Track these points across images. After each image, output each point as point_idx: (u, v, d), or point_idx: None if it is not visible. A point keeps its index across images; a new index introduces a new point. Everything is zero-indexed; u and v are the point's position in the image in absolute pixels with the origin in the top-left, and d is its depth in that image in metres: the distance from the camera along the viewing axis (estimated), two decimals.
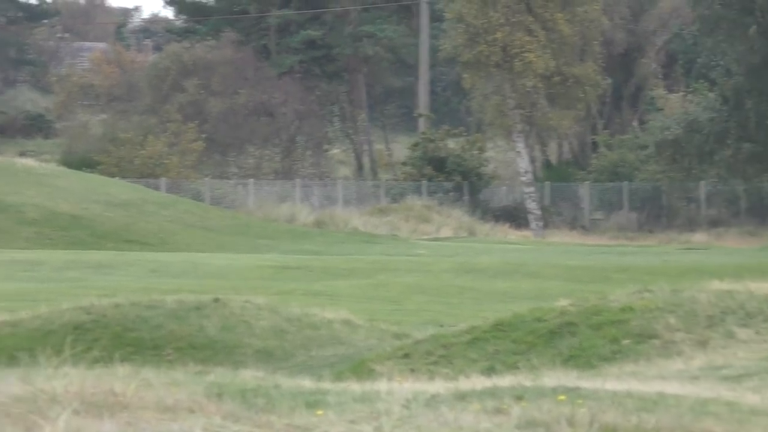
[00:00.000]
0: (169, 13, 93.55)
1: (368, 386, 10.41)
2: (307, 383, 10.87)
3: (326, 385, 11.09)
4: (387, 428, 8.54)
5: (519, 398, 8.68)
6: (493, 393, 9.27)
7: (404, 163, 72.94)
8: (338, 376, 14.03)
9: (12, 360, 10.16)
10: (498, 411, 8.55)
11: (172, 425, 8.02)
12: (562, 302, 17.30)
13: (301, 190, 68.49)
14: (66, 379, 8.82)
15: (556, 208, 66.52)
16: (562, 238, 60.92)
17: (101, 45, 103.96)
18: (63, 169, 63.51)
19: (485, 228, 62.52)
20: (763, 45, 56.40)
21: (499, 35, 61.05)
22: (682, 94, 68.18)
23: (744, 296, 16.73)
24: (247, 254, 45.94)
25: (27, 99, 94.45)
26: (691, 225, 61.71)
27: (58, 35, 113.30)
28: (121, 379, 8.96)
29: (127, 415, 7.96)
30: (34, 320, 19.75)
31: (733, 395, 9.63)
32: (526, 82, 62.55)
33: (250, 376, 10.66)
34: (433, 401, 9.19)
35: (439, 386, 10.12)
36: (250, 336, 19.20)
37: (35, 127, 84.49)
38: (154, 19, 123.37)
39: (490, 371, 12.46)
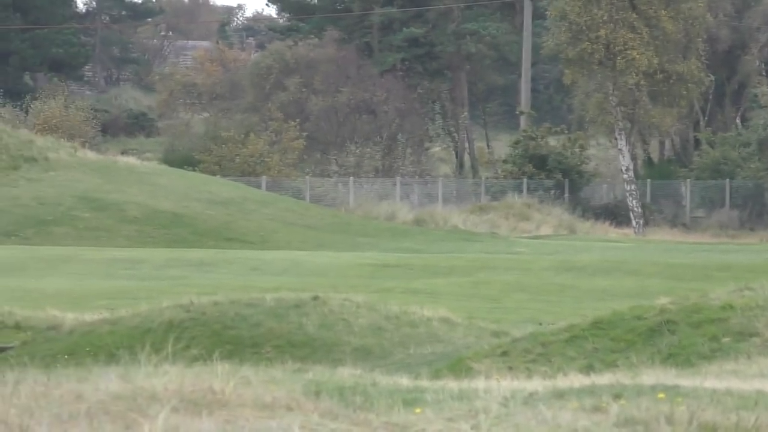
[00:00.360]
0: (272, 11, 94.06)
1: (466, 384, 10.43)
2: (404, 381, 10.93)
3: (424, 383, 11.14)
4: (485, 426, 8.51)
5: (617, 396, 8.69)
6: (591, 391, 9.25)
7: (505, 161, 72.72)
8: (436, 374, 14.05)
9: (112, 358, 10.29)
10: (596, 409, 8.50)
11: (270, 423, 8.07)
12: (662, 300, 17.22)
13: (401, 188, 68.59)
14: (165, 377, 8.94)
15: (657, 206, 65.95)
16: (663, 235, 60.43)
17: (204, 43, 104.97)
18: (164, 167, 64.28)
19: (585, 226, 62.28)
20: None
21: (602, 32, 60.64)
22: None
23: None
24: (347, 252, 46.07)
25: (130, 97, 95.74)
26: None
27: (162, 34, 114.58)
28: (219, 376, 9.06)
29: (226, 412, 8.04)
30: (133, 318, 20.04)
31: None
32: (629, 80, 62.05)
33: (348, 373, 10.72)
34: (531, 399, 9.17)
35: (537, 384, 10.11)
36: (349, 334, 19.29)
37: (137, 125, 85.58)
38: (257, 18, 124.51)
39: (588, 369, 12.46)
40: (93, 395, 8.45)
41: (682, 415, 8.14)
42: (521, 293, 30.08)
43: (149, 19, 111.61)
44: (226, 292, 23.20)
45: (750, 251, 48.03)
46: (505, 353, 16.68)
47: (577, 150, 68.76)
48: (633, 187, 64.70)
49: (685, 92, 64.48)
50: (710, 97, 70.65)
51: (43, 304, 26.00)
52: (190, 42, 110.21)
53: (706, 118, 72.34)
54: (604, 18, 60.97)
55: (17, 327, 23.53)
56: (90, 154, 62.48)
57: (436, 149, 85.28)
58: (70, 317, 23.36)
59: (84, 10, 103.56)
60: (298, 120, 71.62)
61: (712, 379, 10.60)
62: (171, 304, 21.02)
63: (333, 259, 41.77)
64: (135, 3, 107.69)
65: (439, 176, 77.14)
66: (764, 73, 71.30)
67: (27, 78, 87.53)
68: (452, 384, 10.77)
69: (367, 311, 21.06)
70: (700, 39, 65.20)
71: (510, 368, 14.46)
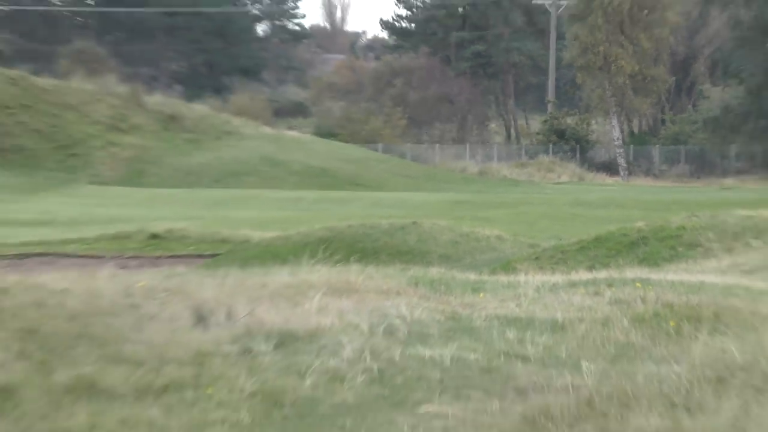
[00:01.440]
0: (385, 34, 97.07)
1: (512, 278, 10.70)
2: (472, 276, 11.25)
3: (485, 277, 11.43)
4: (524, 304, 8.68)
5: (610, 285, 9.21)
6: (593, 282, 9.56)
7: (538, 133, 73.58)
8: (493, 272, 14.29)
9: (284, 261, 10.61)
10: (596, 293, 8.88)
11: (386, 302, 8.28)
12: (639, 224, 17.73)
13: (469, 151, 69.41)
14: (318, 273, 9.30)
15: (637, 163, 66.62)
16: (641, 182, 61.31)
17: (341, 56, 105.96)
18: (315, 138, 64.94)
19: (590, 176, 63.36)
20: None
21: (601, 48, 62.35)
22: (721, 87, 69.56)
23: (758, 219, 17.49)
24: (435, 193, 46.42)
25: (293, 93, 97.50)
26: (725, 173, 63.10)
27: (313, 50, 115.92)
28: (353, 273, 9.38)
29: (357, 296, 8.38)
30: (297, 235, 20.47)
31: (749, 283, 10.15)
32: (618, 80, 63.91)
33: (435, 271, 10.98)
34: (554, 287, 9.44)
35: (558, 278, 10.41)
36: (436, 246, 19.52)
37: (298, 110, 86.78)
38: (375, 39, 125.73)
39: (591, 268, 12.65)
40: (273, 284, 8.84)
41: (651, 296, 8.25)
42: (548, 220, 30.03)
43: (305, 41, 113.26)
44: (356, 219, 23.64)
45: (697, 192, 48.45)
46: (537, 258, 16.97)
47: (584, 126, 69.32)
48: (621, 150, 66.05)
49: (655, 88, 66.63)
50: (672, 90, 72.71)
51: (239, 227, 26.67)
52: (331, 55, 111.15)
53: (669, 104, 74.18)
54: (603, 39, 62.51)
55: (223, 241, 24.24)
56: (267, 130, 63.47)
57: (492, 125, 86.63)
58: (257, 235, 24.00)
59: (263, 35, 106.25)
60: (401, 107, 72.62)
61: (671, 274, 10.65)
62: (321, 226, 21.46)
63: (425, 198, 42.23)
64: (296, 30, 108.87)
65: (494, 143, 78.44)
66: (707, 76, 73.61)
67: (226, 80, 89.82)
68: (503, 278, 10.98)
69: (448, 231, 21.32)
70: (666, 52, 67.27)
71: (540, 268, 14.57)
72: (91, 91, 57.80)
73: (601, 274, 10.90)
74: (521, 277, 10.67)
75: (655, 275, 10.33)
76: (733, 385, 5.67)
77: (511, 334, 7.27)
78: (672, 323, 7.14)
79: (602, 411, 5.44)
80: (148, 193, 44.74)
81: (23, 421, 5.34)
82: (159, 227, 25.60)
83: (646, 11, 64.34)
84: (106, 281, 7.99)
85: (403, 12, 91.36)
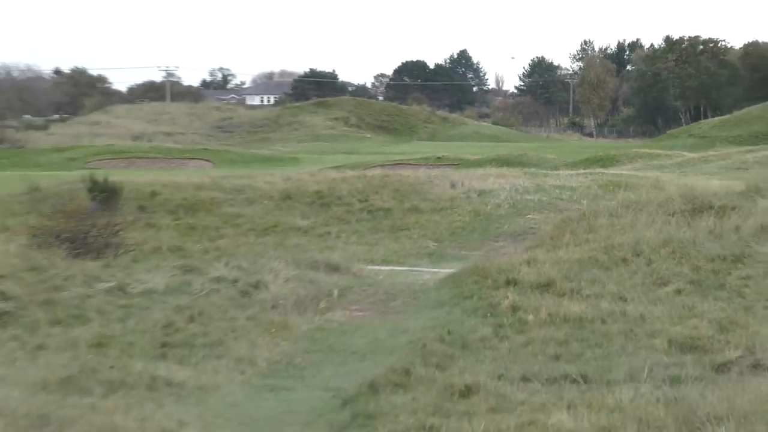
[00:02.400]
0: None
1: (557, 172, 24.38)
2: (543, 171, 23.65)
3: (549, 171, 23.92)
4: (562, 180, 21.49)
5: (591, 174, 21.75)
6: (585, 174, 21.99)
7: None
8: (552, 170, 26.42)
9: (480, 167, 24.99)
10: (586, 176, 20.73)
11: (514, 180, 20.72)
12: (605, 152, 34.85)
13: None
14: (492, 172, 22.24)
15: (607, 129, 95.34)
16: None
17: None
18: None
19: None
20: None
21: None
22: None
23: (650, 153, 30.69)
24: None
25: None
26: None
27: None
28: (504, 171, 22.17)
29: (504, 178, 21.01)
30: (485, 158, 34.20)
31: (656, 174, 21.83)
32: None
33: (532, 170, 23.45)
34: (571, 175, 22.10)
35: (573, 172, 22.83)
36: (529, 159, 33.87)
37: None
38: None
39: (586, 169, 24.72)
40: (478, 174, 21.70)
41: (605, 178, 19.73)
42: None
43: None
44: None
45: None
46: (566, 165, 29.13)
47: None
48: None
49: None
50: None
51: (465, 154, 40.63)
52: None
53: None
54: None
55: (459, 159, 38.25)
56: None
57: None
58: (473, 158, 38.18)
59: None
60: None
61: (623, 170, 22.44)
62: (496, 154, 37.79)
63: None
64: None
65: None
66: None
67: None
68: (555, 172, 22.70)
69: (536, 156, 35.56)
70: None
71: (568, 168, 28.63)
72: None
73: (588, 171, 23.76)
74: (561, 172, 23.36)
75: (615, 170, 22.46)
76: (633, 208, 16.72)
77: (557, 191, 19.28)
78: (611, 187, 18.77)
79: (588, 216, 16.72)
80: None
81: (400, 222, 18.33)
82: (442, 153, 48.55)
83: None
84: (422, 172, 21.28)
85: None
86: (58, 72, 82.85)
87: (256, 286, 12.91)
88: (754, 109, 48.04)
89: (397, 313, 11.86)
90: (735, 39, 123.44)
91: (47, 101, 76.37)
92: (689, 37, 79.57)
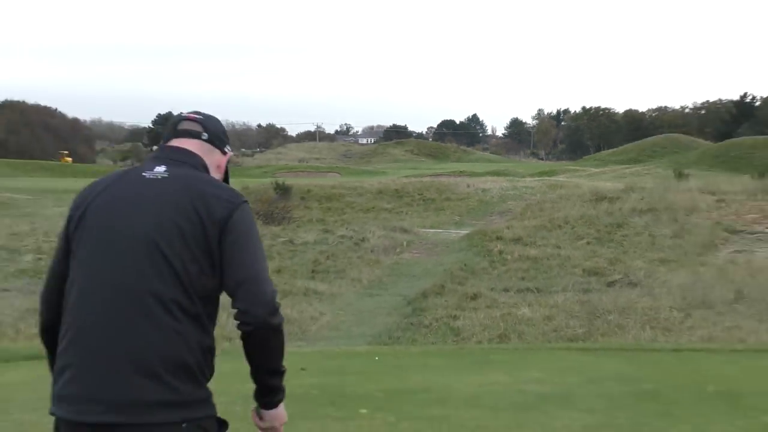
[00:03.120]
0: None
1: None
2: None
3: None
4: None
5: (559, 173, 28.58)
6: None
7: None
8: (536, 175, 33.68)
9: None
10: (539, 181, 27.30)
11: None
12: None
13: None
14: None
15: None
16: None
17: None
18: None
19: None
20: None
21: None
22: None
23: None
24: None
25: None
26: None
27: None
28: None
29: None
30: None
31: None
32: None
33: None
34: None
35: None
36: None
37: None
38: None
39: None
40: None
41: (557, 183, 26.70)
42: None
43: None
44: None
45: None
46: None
47: None
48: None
49: None
50: None
51: None
52: None
53: None
54: None
55: None
56: None
57: None
58: None
59: None
60: None
61: (560, 178, 29.26)
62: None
63: None
64: None
65: None
66: None
67: None
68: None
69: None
70: None
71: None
72: None
73: (540, 178, 31.61)
74: (526, 178, 31.76)
75: (553, 179, 29.62)
76: (564, 198, 23.33)
77: (524, 189, 27.64)
78: (553, 187, 26.42)
79: (540, 202, 23.72)
80: None
81: None
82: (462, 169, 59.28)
83: None
84: (451, 179, 29.25)
85: None
86: (259, 125, 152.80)
87: (363, 240, 21.64)
88: (630, 146, 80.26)
89: (438, 255, 19.69)
90: (620, 106, 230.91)
91: (253, 141, 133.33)
92: (595, 107, 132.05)
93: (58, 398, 2.25)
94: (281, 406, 2.51)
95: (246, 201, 2.39)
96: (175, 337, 2.22)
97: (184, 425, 2.21)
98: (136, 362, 2.17)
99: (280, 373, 2.42)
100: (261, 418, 2.50)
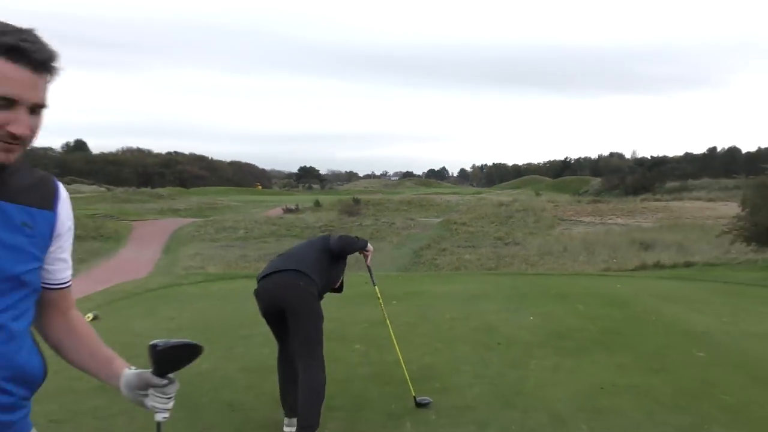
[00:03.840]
0: None
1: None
2: None
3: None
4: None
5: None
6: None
7: None
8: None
9: None
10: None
11: None
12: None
13: None
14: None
15: None
16: None
17: None
18: None
19: None
20: None
21: None
22: None
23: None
24: None
25: None
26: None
27: None
28: None
29: None
30: None
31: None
32: None
33: None
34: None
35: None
36: None
37: None
38: None
39: None
40: None
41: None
42: None
43: None
44: None
45: None
46: None
47: None
48: None
49: None
50: None
51: None
52: None
53: None
54: None
55: None
56: None
57: None
58: None
59: None
60: None
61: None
62: None
63: None
64: None
65: None
66: None
67: None
68: None
69: None
70: None
71: None
72: None
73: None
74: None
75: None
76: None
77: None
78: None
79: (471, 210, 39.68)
80: None
81: None
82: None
83: None
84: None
85: None
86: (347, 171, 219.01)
87: (393, 223, 41.17)
88: (515, 180, 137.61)
89: (427, 230, 36.57)
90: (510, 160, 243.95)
91: (342, 179, 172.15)
92: (497, 162, 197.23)
93: None
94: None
95: None
96: None
97: None
98: None
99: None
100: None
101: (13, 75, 1.65)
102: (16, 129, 1.66)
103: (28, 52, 1.65)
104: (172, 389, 1.90)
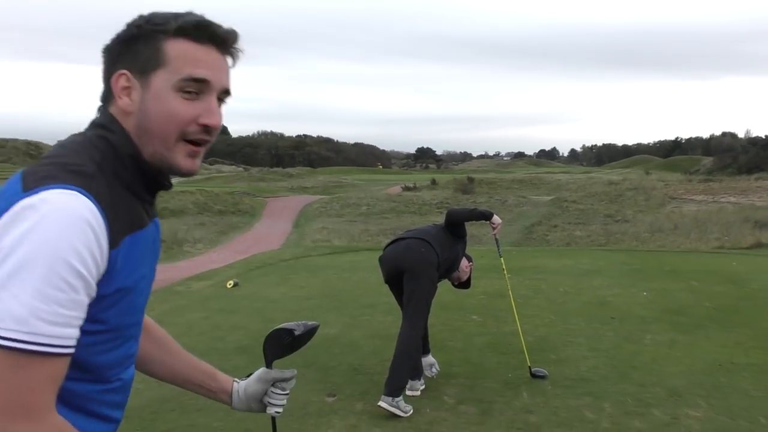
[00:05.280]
0: None
1: None
2: None
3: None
4: None
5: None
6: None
7: None
8: None
9: None
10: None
11: None
12: None
13: None
14: None
15: None
16: None
17: None
18: None
19: None
20: None
21: None
22: None
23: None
24: None
25: None
26: None
27: None
28: None
29: None
30: None
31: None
32: None
33: None
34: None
35: None
36: None
37: None
38: None
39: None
40: None
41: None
42: None
43: None
44: None
45: None
46: None
47: None
48: None
49: None
50: None
51: None
52: None
53: None
54: None
55: None
56: None
57: None
58: None
59: None
60: None
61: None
62: None
63: None
64: None
65: None
66: None
67: None
68: None
69: None
70: None
71: None
72: None
73: None
74: None
75: None
76: None
77: None
78: None
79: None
80: None
81: None
82: None
83: None
84: None
85: None
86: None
87: (505, 201, 39.44)
88: (625, 160, 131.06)
89: (542, 208, 35.29)
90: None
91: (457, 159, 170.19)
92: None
93: None
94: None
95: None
96: None
97: None
98: None
99: None
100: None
101: (202, 56, 1.31)
102: (209, 119, 1.33)
103: (212, 28, 1.32)
104: (293, 383, 1.73)
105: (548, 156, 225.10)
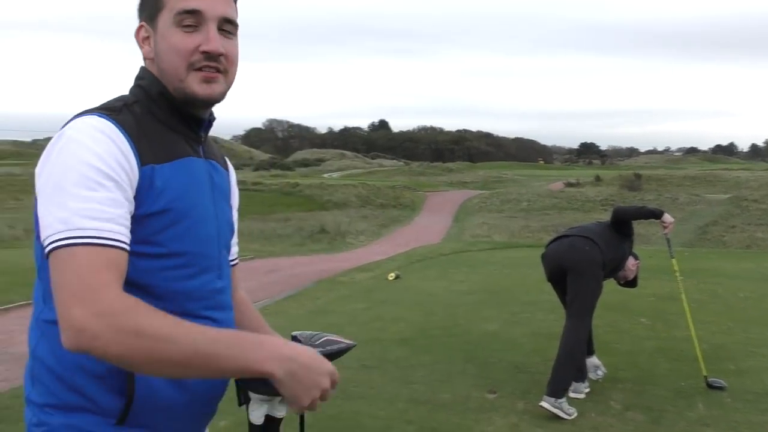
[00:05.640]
0: None
1: None
2: None
3: None
4: None
5: None
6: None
7: None
8: None
9: None
10: None
11: None
12: None
13: None
14: None
15: None
16: None
17: None
18: None
19: None
20: None
21: None
22: None
23: None
24: None
25: None
26: None
27: None
28: None
29: None
30: None
31: None
32: None
33: None
34: None
35: None
36: None
37: None
38: None
39: None
40: None
41: None
42: None
43: None
44: None
45: None
46: None
47: None
48: None
49: None
50: None
51: None
52: None
53: None
54: None
55: None
56: None
57: None
58: None
59: None
60: None
61: None
62: None
63: None
64: None
65: None
66: None
67: None
68: None
69: None
70: None
71: None
72: None
73: None
74: None
75: None
76: None
77: None
78: None
79: None
80: None
81: None
82: None
83: None
84: None
85: None
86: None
87: (676, 199, 35.77)
88: None
89: (718, 206, 32.70)
90: None
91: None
92: None
93: None
94: None
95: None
96: None
97: None
98: None
99: None
100: None
101: None
102: (208, 45, 1.38)
103: None
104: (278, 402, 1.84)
105: (725, 151, 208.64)
